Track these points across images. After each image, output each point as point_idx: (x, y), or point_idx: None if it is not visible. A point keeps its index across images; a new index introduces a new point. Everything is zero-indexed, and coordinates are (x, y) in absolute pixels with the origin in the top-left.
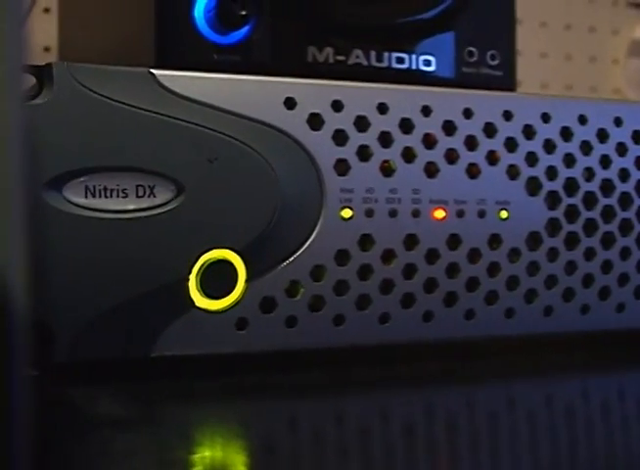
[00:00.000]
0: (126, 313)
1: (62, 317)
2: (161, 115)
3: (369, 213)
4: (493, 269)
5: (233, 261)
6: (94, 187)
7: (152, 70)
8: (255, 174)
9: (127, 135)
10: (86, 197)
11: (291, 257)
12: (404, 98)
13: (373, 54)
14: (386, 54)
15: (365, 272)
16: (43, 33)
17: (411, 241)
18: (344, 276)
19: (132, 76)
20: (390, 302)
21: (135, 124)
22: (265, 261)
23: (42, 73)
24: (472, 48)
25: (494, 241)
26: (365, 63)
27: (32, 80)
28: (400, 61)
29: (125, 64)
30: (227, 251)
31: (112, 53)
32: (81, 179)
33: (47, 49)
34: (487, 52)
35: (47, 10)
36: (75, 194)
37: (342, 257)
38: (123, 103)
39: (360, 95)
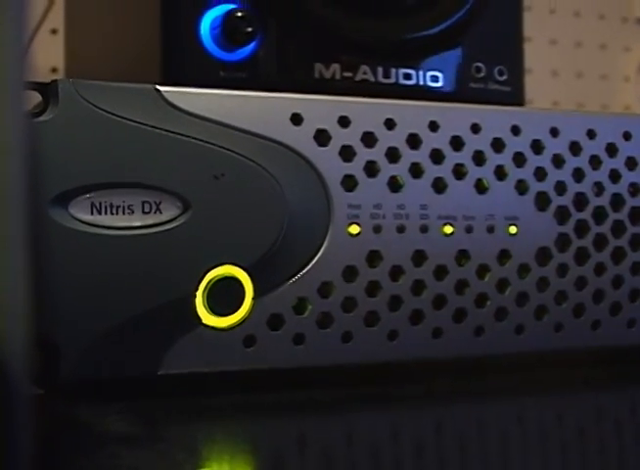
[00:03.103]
0: (132, 331)
1: (68, 335)
2: (167, 131)
3: (377, 229)
4: (502, 285)
5: (240, 278)
6: (100, 204)
7: (158, 87)
8: (262, 191)
9: (133, 152)
10: (92, 213)
11: (298, 273)
12: (411, 113)
13: (380, 70)
14: (393, 70)
15: (373, 289)
16: (50, 54)
17: (419, 257)
18: (352, 293)
19: (138, 93)
20: (399, 318)
21: (141, 141)
22: (272, 278)
23: (48, 90)
24: (479, 63)
25: (503, 256)
26: (372, 79)
27: (38, 97)
28: (407, 77)
29: (131, 81)
30: (234, 267)
31: (118, 70)
32: (87, 196)
33: (54, 70)
34: (495, 67)
35: (54, 31)
36: (81, 210)
37: (349, 273)
38: (129, 119)
39: (367, 111)
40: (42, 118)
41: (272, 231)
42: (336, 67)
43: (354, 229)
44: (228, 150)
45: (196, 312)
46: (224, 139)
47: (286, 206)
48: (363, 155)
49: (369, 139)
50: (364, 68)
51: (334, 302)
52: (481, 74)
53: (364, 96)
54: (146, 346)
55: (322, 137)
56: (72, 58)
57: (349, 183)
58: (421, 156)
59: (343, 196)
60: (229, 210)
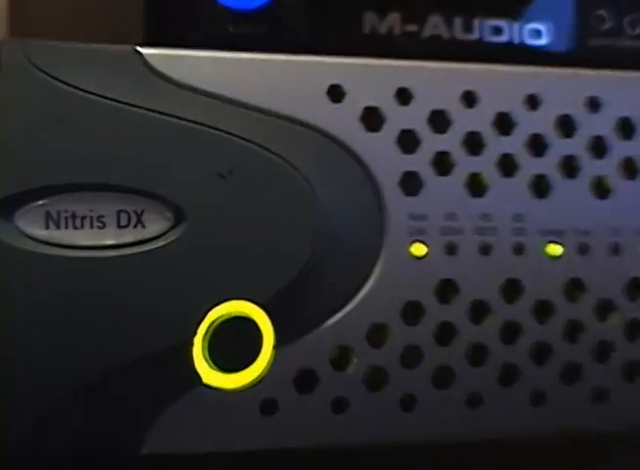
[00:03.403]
0: (104, 394)
1: (14, 401)
2: (152, 111)
3: (451, 250)
4: (634, 330)
5: (255, 319)
6: (58, 214)
7: (138, 48)
8: (286, 194)
9: (105, 140)
10: (47, 227)
11: (338, 312)
12: (502, 84)
13: (458, 22)
14: (476, 22)
15: (445, 334)
16: None
17: (512, 289)
18: (416, 340)
19: (112, 57)
20: (482, 375)
21: (116, 125)
22: (301, 319)
23: None
24: (601, 11)
25: (635, 288)
26: (446, 35)
27: None
28: (497, 31)
29: (103, 40)
30: (247, 304)
31: (82, 25)
32: (40, 203)
33: None
34: (625, 17)
35: None
36: (32, 223)
37: (411, 312)
38: (99, 95)
39: (438, 80)
40: None
41: (300, 252)
42: (394, 17)
43: (418, 249)
44: (238, 137)
45: (193, 367)
46: (233, 122)
47: (319, 216)
48: (431, 143)
49: (439, 121)
50: (435, 19)
51: (389, 352)
52: (605, 26)
53: (434, 59)
54: (124, 415)
55: (372, 119)
56: (19, 5)
57: (411, 184)
58: (514, 144)
59: (403, 202)
60: (239, 221)
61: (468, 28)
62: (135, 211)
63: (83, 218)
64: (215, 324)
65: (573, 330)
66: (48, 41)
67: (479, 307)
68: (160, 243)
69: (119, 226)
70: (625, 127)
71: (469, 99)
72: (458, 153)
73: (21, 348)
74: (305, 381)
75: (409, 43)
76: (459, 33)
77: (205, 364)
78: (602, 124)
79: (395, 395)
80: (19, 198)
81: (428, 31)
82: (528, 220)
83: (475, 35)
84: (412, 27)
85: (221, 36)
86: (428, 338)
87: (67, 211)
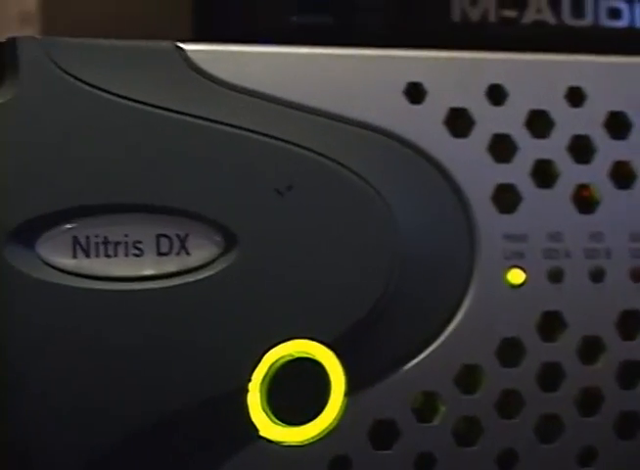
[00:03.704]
0: (144, 451)
1: (58, 453)
2: (196, 117)
3: (555, 276)
4: None
5: (322, 362)
6: (87, 239)
7: (180, 45)
8: (357, 214)
9: (140, 153)
10: (75, 256)
11: (421, 352)
12: (617, 78)
13: (566, 4)
14: (589, 4)
15: (551, 377)
16: None
17: (630, 322)
18: (515, 384)
19: (148, 56)
20: (596, 426)
21: (153, 134)
22: (377, 361)
23: (1, 56)
24: None
25: None
26: (552, 20)
27: None
28: (615, 15)
29: (139, 37)
30: (312, 343)
31: (119, 20)
32: (66, 227)
33: (25, 20)
34: None
35: None
36: (57, 251)
37: (509, 350)
38: (133, 100)
39: (539, 75)
40: None
41: (374, 283)
42: (489, 2)
43: (516, 276)
44: (298, 146)
45: (249, 418)
46: (291, 128)
47: (397, 240)
48: (530, 150)
49: (541, 123)
50: (538, 1)
51: (483, 399)
52: None
53: (537, 50)
54: None
55: (459, 122)
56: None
57: (506, 199)
58: (630, 149)
59: (497, 220)
60: (300, 247)
61: (578, 12)
62: (178, 236)
63: (117, 245)
64: (274, 368)
65: None
66: (73, 38)
67: (590, 345)
68: (208, 273)
69: (159, 253)
70: None
71: (575, 97)
72: (563, 161)
73: (50, 397)
74: (383, 434)
75: (506, 32)
76: (568, 18)
77: (264, 414)
78: None
79: (492, 450)
80: (41, 221)
81: (529, 17)
82: None
83: (587, 20)
84: (510, 13)
85: (283, 28)
86: (529, 382)
87: (97, 236)
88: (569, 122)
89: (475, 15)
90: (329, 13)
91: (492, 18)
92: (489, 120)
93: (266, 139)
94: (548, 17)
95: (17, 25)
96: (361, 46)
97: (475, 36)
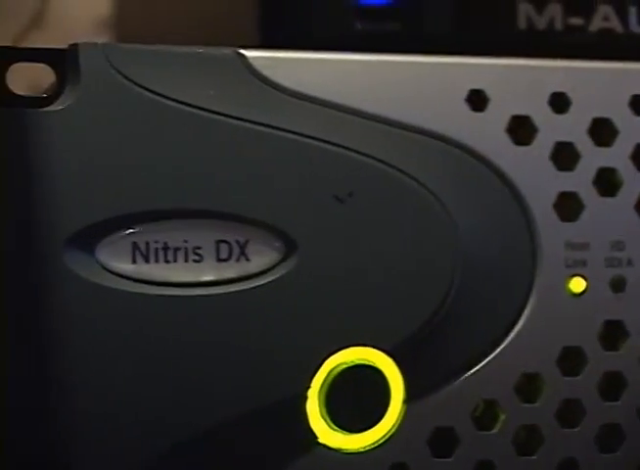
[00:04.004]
0: (201, 457)
1: (113, 458)
2: (257, 123)
3: (617, 285)
4: None
5: (382, 369)
6: (147, 245)
7: (242, 51)
8: (418, 221)
9: (201, 158)
10: (134, 261)
11: (481, 360)
12: None
13: (633, 13)
14: None
15: (612, 386)
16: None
17: None
18: (576, 393)
19: (210, 62)
20: None
21: (213, 140)
22: (436, 369)
23: (63, 62)
24: None
25: None
26: (619, 28)
27: (52, 74)
28: None
29: (210, 40)
30: (371, 350)
31: (188, 25)
32: (126, 233)
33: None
34: None
35: None
36: (116, 256)
37: (570, 359)
38: (194, 106)
39: (602, 84)
40: (52, 108)
41: (435, 290)
42: (555, 9)
43: (578, 285)
44: (359, 153)
45: (308, 425)
46: (352, 135)
47: (458, 247)
48: (593, 158)
49: (604, 132)
50: (605, 9)
51: (543, 408)
52: None
53: (603, 58)
54: None
55: (522, 130)
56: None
57: (569, 207)
58: None
59: (559, 229)
60: (360, 253)
61: None
62: (238, 242)
63: (177, 250)
64: (333, 375)
65: None
66: (134, 45)
67: None
68: (268, 279)
69: (219, 259)
70: None
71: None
72: (626, 169)
73: (109, 402)
74: (442, 442)
75: (573, 40)
76: (634, 26)
77: (322, 421)
78: None
79: (552, 459)
80: (101, 227)
81: (596, 24)
82: None
83: None
84: (577, 21)
85: (347, 35)
86: (591, 391)
87: (157, 241)
88: (632, 131)
89: (541, 23)
90: (395, 20)
91: (559, 25)
92: (552, 128)
93: (326, 146)
94: (615, 25)
95: (90, 30)
96: (426, 53)
97: (540, 44)
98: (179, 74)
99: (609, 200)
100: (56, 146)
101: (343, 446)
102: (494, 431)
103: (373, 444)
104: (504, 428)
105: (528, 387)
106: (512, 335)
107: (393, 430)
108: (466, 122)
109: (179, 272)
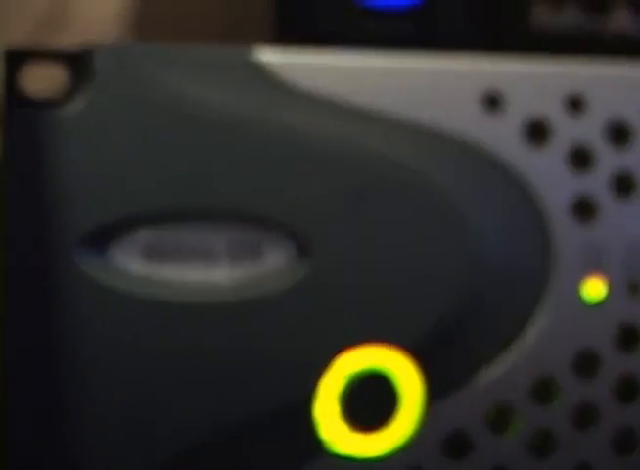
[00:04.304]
0: (212, 462)
1: (128, 462)
2: (272, 124)
3: (634, 288)
4: None
5: (395, 371)
6: (159, 246)
7: (256, 51)
8: (433, 222)
9: (214, 159)
10: (147, 262)
11: (497, 364)
12: None
13: None
14: None
15: (628, 390)
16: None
17: None
18: (591, 397)
19: (225, 62)
20: None
21: (227, 141)
22: (451, 372)
23: (78, 65)
24: None
25: None
26: (635, 29)
27: (65, 76)
28: None
29: (224, 37)
30: (385, 352)
31: (202, 22)
32: (139, 234)
33: (116, 25)
34: None
35: None
36: (129, 257)
37: (586, 363)
38: (208, 107)
39: (619, 85)
40: (66, 109)
41: (449, 292)
42: (572, 10)
43: (594, 288)
44: (374, 154)
45: (321, 428)
46: (368, 135)
47: (473, 248)
48: (609, 160)
49: (619, 133)
50: (620, 11)
51: (558, 412)
52: None
53: (619, 59)
54: None
55: (537, 131)
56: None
57: (585, 209)
58: None
59: (575, 231)
60: (375, 255)
61: None
62: (252, 243)
63: (190, 252)
64: (348, 378)
65: None
66: (147, 45)
67: None
68: (282, 279)
69: (233, 260)
70: None
71: None
72: None
73: (120, 404)
74: (457, 446)
75: (584, 42)
76: None
77: (337, 425)
78: None
79: (567, 463)
80: (114, 227)
81: (613, 25)
82: None
83: None
84: (593, 21)
85: (360, 34)
86: (606, 395)
87: (170, 243)
88: None
89: (556, 24)
90: (410, 22)
91: (570, 25)
92: (568, 129)
93: (341, 146)
94: (628, 24)
95: (107, 29)
96: (441, 53)
97: (556, 45)
98: (193, 74)
99: (625, 202)
100: (69, 147)
101: (356, 453)
102: (509, 435)
103: (387, 447)
104: (519, 432)
105: (544, 391)
106: (527, 338)
107: (408, 434)
108: (481, 123)
109: (192, 273)
